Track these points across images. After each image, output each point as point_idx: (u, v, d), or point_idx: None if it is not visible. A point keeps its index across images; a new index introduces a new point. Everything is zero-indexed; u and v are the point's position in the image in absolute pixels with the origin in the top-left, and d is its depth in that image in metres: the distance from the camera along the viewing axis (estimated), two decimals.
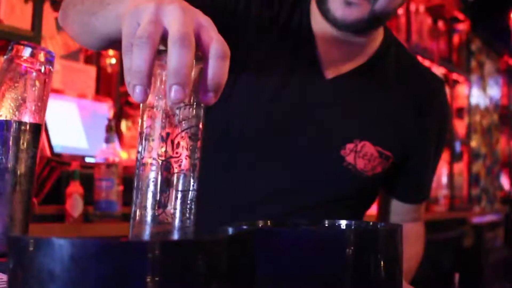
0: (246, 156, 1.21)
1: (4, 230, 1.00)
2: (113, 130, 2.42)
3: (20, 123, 1.00)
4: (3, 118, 0.99)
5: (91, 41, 1.01)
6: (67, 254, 0.42)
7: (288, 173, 1.20)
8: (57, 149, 2.47)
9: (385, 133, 1.22)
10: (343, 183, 1.21)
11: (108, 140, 2.41)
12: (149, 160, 0.67)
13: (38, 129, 1.02)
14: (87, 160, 2.54)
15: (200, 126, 0.68)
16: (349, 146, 1.18)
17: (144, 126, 0.67)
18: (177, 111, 0.66)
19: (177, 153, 0.66)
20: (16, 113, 1.00)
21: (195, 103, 0.67)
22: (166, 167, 0.67)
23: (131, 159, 2.86)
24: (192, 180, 0.69)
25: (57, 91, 2.64)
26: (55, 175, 2.34)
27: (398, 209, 1.36)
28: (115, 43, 0.91)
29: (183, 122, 0.67)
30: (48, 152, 2.43)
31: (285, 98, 1.20)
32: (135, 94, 0.62)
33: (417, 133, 1.26)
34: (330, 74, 1.21)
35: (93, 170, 2.39)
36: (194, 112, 0.67)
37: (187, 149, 0.67)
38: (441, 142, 1.36)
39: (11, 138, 1.00)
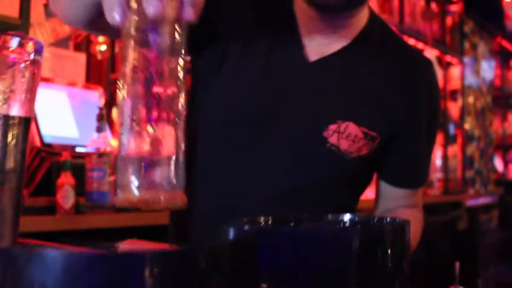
0: (230, 141, 1.22)
1: None
2: (104, 119, 2.38)
3: (8, 117, 0.97)
4: None
5: (78, 14, 1.02)
6: (59, 266, 0.40)
7: (273, 156, 1.19)
8: (47, 139, 2.43)
9: (370, 113, 1.20)
10: (328, 165, 1.20)
11: (99, 129, 2.37)
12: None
13: (27, 123, 0.99)
14: (78, 150, 2.50)
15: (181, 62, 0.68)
16: (332, 127, 1.16)
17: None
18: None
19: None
20: (4, 106, 0.97)
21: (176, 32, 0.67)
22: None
23: None
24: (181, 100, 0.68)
25: (46, 80, 2.61)
26: (46, 165, 2.31)
27: (392, 194, 1.32)
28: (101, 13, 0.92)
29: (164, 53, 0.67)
30: (38, 142, 2.40)
31: (268, 83, 1.19)
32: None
33: (405, 113, 1.23)
34: (313, 57, 1.20)
35: (84, 160, 2.35)
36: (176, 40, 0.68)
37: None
38: (433, 124, 1.32)
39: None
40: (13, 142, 0.98)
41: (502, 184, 6.08)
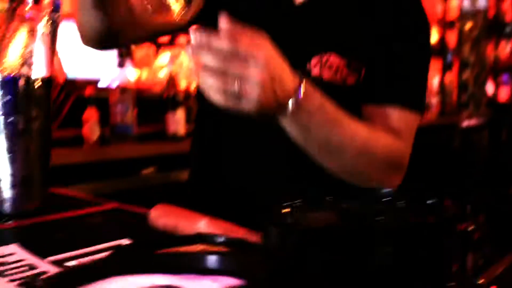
0: None
1: (16, 192, 0.87)
2: (125, 54, 2.26)
3: (29, 78, 0.86)
4: (9, 73, 0.84)
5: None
6: None
7: None
8: (70, 75, 2.32)
9: (353, 43, 1.08)
10: None
11: (121, 64, 2.26)
12: None
13: (49, 83, 0.88)
14: (101, 84, 2.39)
15: None
16: (315, 59, 1.06)
17: None
18: None
19: None
20: (24, 67, 0.85)
21: None
22: None
23: (143, 79, 2.73)
24: None
25: (67, 15, 2.46)
26: (71, 101, 2.21)
27: (365, 114, 1.08)
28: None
29: None
30: (62, 78, 2.28)
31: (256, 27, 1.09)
32: None
33: (390, 39, 1.10)
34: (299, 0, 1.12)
35: (107, 93, 2.26)
36: None
37: None
38: (420, 45, 1.14)
39: (21, 95, 0.86)
40: (36, 103, 0.87)
41: (492, 106, 5.97)
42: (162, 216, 0.83)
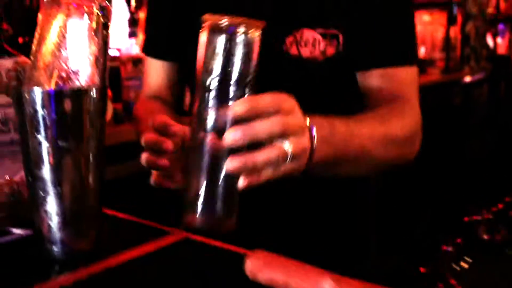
0: None
1: (66, 232, 0.67)
2: (137, 23, 2.03)
3: (78, 90, 0.64)
4: (51, 86, 0.63)
5: None
6: None
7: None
8: None
9: (323, 13, 0.99)
10: (299, 77, 1.01)
11: (132, 35, 2.04)
12: None
13: (103, 93, 0.66)
14: (111, 53, 2.16)
15: None
16: (289, 39, 0.99)
17: None
18: None
19: None
20: (71, 75, 0.64)
21: None
22: None
23: None
24: None
25: None
26: None
27: (366, 84, 0.99)
28: None
29: None
30: None
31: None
32: None
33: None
34: None
35: (117, 63, 2.04)
36: None
37: None
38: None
39: (68, 113, 0.64)
40: (88, 121, 0.65)
41: (492, 60, 5.82)
42: (265, 268, 0.64)
